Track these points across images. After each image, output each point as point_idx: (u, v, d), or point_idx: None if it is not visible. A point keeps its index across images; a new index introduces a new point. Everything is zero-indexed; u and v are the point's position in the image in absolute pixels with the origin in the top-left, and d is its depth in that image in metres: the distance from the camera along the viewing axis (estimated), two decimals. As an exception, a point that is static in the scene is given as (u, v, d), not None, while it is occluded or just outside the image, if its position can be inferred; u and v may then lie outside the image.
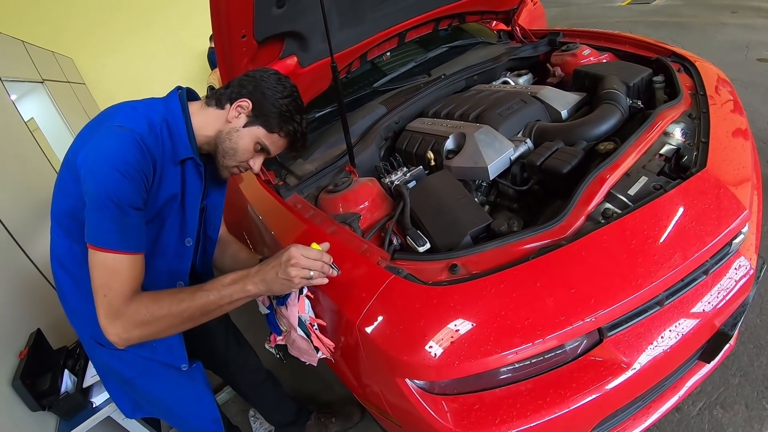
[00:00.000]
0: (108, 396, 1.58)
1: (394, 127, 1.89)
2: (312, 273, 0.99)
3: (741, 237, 1.25)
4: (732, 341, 1.37)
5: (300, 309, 1.09)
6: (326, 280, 1.03)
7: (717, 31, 4.70)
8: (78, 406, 1.56)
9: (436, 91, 1.97)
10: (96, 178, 0.90)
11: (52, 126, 4.32)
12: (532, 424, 0.98)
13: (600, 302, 0.96)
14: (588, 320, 0.95)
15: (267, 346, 1.23)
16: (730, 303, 1.20)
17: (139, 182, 0.94)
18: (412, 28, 1.97)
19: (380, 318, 1.02)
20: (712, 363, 1.35)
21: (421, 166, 1.58)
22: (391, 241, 1.30)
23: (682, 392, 1.34)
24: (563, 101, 1.69)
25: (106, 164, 0.90)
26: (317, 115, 2.07)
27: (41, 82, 4.32)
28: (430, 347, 0.95)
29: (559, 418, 0.99)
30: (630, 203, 1.19)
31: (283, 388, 1.78)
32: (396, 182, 1.52)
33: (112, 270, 0.93)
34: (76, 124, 4.74)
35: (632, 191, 1.22)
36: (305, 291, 1.11)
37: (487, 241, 1.12)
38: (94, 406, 1.58)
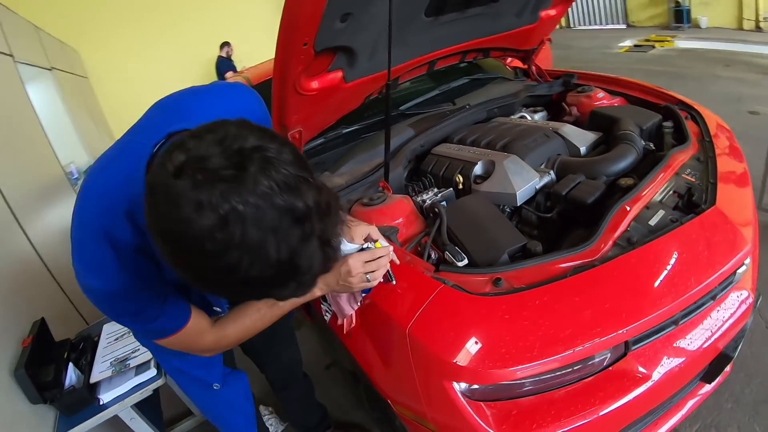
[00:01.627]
0: (117, 394, 1.57)
1: (418, 150, 2.01)
2: (369, 276, 1.04)
3: (744, 268, 1.38)
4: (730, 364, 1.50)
5: None
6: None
7: (711, 83, 4.99)
8: (83, 401, 1.54)
9: (460, 120, 2.10)
10: (104, 311, 0.85)
11: (53, 115, 4.26)
12: (565, 429, 1.08)
13: (630, 317, 1.08)
14: (621, 332, 1.06)
15: None
16: (732, 327, 1.34)
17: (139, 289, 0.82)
18: (443, 58, 2.11)
19: (431, 324, 1.12)
20: (713, 383, 1.47)
21: (451, 188, 1.70)
22: (429, 255, 1.40)
23: (684, 410, 1.45)
24: (582, 139, 1.84)
25: (100, 302, 0.82)
26: (344, 131, 2.16)
27: (49, 70, 4.32)
28: (481, 352, 1.04)
29: (589, 425, 1.09)
30: (650, 233, 1.32)
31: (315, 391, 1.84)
32: (428, 201, 1.63)
33: (183, 343, 0.94)
34: (78, 117, 4.73)
35: (652, 222, 1.35)
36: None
37: (527, 259, 1.23)
38: (101, 403, 1.55)
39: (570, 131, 1.85)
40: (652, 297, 1.13)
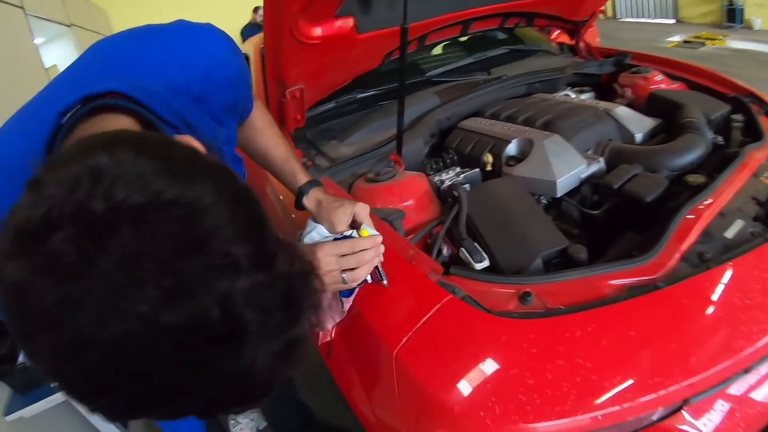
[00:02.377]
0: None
1: (444, 123, 1.73)
2: (345, 276, 0.77)
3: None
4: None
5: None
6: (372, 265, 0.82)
7: (764, 86, 4.52)
8: (34, 381, 1.39)
9: (494, 92, 1.81)
10: None
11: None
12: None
13: (702, 363, 0.80)
14: (686, 383, 0.78)
15: None
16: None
17: None
18: (479, 19, 1.80)
19: (427, 349, 0.84)
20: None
21: (477, 169, 1.42)
22: (440, 251, 1.13)
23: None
24: (639, 124, 1.54)
25: None
26: (359, 96, 1.89)
27: (68, 26, 4.08)
28: (493, 398, 0.77)
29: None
30: (727, 248, 1.03)
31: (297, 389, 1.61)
32: (447, 182, 1.36)
33: None
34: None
35: (729, 234, 1.06)
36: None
37: (567, 270, 0.95)
38: (52, 385, 1.37)
39: (624, 114, 1.55)
40: (730, 337, 0.85)
